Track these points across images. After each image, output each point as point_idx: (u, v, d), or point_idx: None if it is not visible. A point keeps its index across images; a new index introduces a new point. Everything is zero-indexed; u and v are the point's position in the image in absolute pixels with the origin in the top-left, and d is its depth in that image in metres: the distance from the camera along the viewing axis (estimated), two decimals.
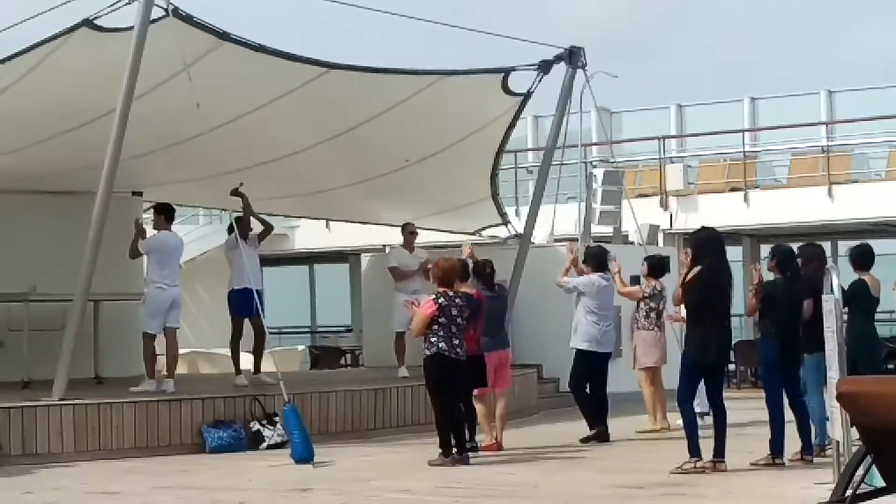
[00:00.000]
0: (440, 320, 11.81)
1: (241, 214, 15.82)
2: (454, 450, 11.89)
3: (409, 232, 17.48)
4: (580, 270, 14.23)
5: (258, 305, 14.22)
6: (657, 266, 14.87)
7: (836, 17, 50.79)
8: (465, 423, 12.40)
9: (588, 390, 13.94)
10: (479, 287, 12.87)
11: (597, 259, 14.17)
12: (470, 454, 12.12)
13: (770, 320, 11.47)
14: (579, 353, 13.87)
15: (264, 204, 18.13)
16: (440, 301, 11.86)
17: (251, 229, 15.84)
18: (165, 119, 14.31)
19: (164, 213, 15.00)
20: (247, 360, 16.66)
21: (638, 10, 54.46)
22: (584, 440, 13.48)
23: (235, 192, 15.35)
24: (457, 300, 11.94)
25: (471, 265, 13.13)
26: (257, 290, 14.80)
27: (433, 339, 11.83)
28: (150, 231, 15.38)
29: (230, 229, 15.61)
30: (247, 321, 15.36)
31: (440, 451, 11.85)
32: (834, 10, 50.71)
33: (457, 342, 11.87)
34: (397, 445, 13.47)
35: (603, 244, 16.26)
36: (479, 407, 12.87)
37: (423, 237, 19.70)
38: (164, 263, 14.48)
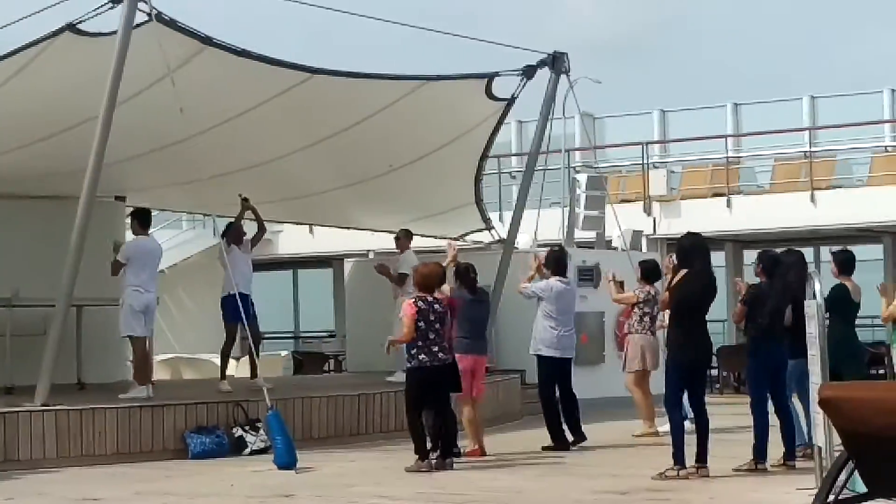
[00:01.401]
0: (419, 325, 11.79)
1: (231, 220, 15.90)
2: (437, 453, 11.89)
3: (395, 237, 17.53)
4: (545, 277, 14.11)
5: (244, 311, 14.16)
6: (652, 270, 14.84)
7: (821, 23, 50.96)
8: (455, 429, 12.40)
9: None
10: (462, 291, 12.87)
11: (556, 262, 13.98)
12: (453, 460, 12.12)
13: (755, 325, 11.50)
14: (540, 358, 13.80)
15: None
16: (419, 304, 11.85)
17: (245, 234, 15.89)
18: (149, 124, 14.28)
19: (139, 219, 15.00)
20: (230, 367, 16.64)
21: (623, 18, 54.57)
22: (547, 448, 13.43)
23: (247, 203, 15.49)
24: (435, 305, 11.93)
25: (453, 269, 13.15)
26: (246, 295, 14.85)
27: (413, 352, 11.82)
28: (129, 237, 15.38)
29: (224, 235, 15.67)
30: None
31: (416, 457, 11.83)
32: (820, 17, 50.87)
33: (437, 349, 11.85)
34: (380, 451, 13.46)
35: (587, 250, 16.27)
36: (463, 412, 12.86)
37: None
38: (140, 268, 14.44)
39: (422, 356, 11.80)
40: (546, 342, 13.66)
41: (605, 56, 48.77)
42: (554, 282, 13.78)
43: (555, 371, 13.70)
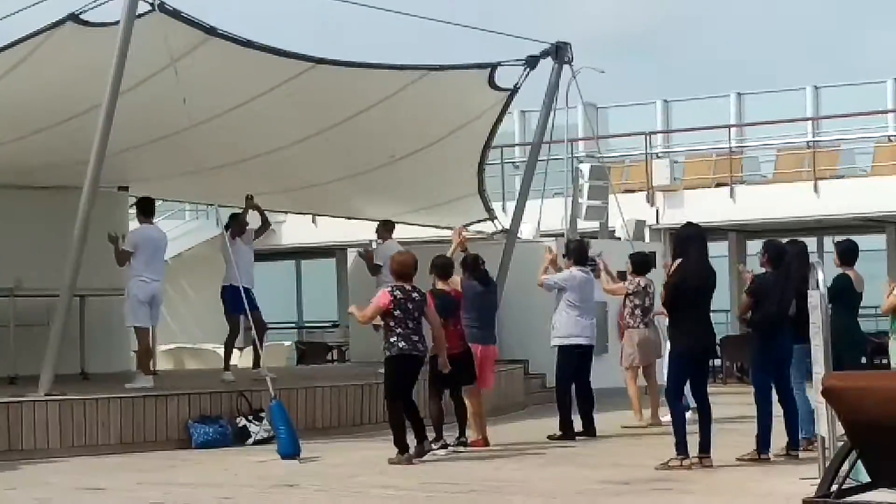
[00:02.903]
0: (395, 314, 11.73)
1: (238, 212, 15.98)
2: (441, 441, 11.90)
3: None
4: (559, 269, 14.16)
5: (246, 303, 14.21)
6: (641, 262, 14.90)
7: (825, 13, 50.90)
8: (434, 417, 12.36)
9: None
10: (472, 281, 12.87)
11: (577, 252, 14.08)
12: (433, 446, 12.09)
13: (760, 315, 11.49)
14: (562, 348, 13.83)
15: None
16: (395, 294, 11.80)
17: (247, 224, 15.97)
18: (152, 114, 14.28)
19: (143, 207, 15.05)
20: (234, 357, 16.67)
21: (627, 11, 54.50)
22: (553, 437, 13.45)
23: (251, 202, 15.66)
24: (413, 294, 11.87)
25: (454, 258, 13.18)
26: (247, 288, 14.92)
27: (392, 340, 11.75)
28: (132, 226, 15.40)
29: (227, 226, 15.73)
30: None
31: (396, 449, 11.79)
32: (824, 7, 50.82)
33: (416, 338, 11.80)
34: (384, 441, 13.42)
35: (589, 240, 16.26)
36: (468, 403, 12.87)
37: (409, 232, 19.73)
38: (146, 257, 14.46)
39: (401, 343, 11.74)
40: (571, 331, 13.70)
41: (608, 48, 48.71)
42: (575, 271, 13.85)
43: (576, 360, 13.74)
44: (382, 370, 16.08)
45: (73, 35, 12.69)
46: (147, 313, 14.44)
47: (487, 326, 13.08)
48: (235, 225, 15.79)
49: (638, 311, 14.68)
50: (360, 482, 10.76)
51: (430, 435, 12.24)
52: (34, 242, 16.59)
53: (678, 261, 11.17)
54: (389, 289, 11.87)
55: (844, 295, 11.96)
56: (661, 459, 11.02)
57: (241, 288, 14.39)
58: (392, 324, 11.74)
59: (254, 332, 14.71)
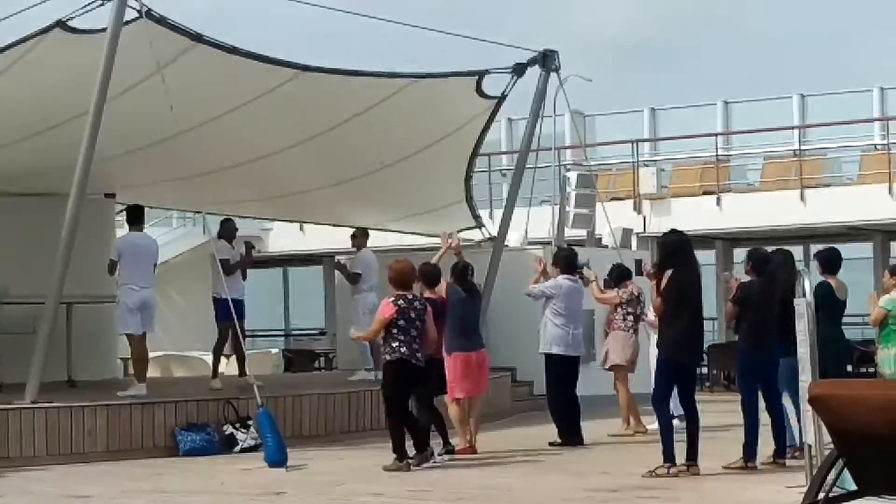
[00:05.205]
0: (399, 323, 11.74)
1: (228, 217, 16.06)
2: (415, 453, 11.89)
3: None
4: (549, 277, 14.16)
5: (234, 313, 14.21)
6: (619, 275, 14.93)
7: (811, 21, 51.06)
8: (422, 426, 12.34)
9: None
10: (456, 288, 12.87)
11: (565, 261, 14.07)
12: (434, 454, 12.09)
13: (746, 323, 11.51)
14: (549, 357, 13.83)
15: (238, 207, 18.14)
16: (399, 303, 11.81)
17: (237, 229, 16.05)
18: (139, 121, 14.26)
19: (129, 215, 15.08)
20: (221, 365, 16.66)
21: (614, 18, 54.62)
22: (554, 444, 13.46)
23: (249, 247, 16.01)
24: (415, 303, 11.88)
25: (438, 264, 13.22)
26: (239, 300, 15.03)
27: (395, 345, 11.76)
28: (119, 234, 15.41)
29: (219, 236, 15.85)
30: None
31: (394, 456, 11.79)
32: (810, 16, 50.98)
33: (416, 347, 11.80)
34: (371, 449, 13.45)
35: (576, 248, 16.28)
36: (452, 410, 12.86)
37: (396, 240, 19.71)
38: (133, 264, 14.42)
39: (403, 349, 11.74)
40: (557, 340, 13.68)
41: (596, 56, 48.81)
42: (562, 279, 13.84)
43: (564, 370, 13.72)
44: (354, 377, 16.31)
45: (60, 42, 12.68)
46: (138, 320, 14.37)
47: (471, 333, 13.04)
48: (224, 232, 15.94)
49: (630, 318, 14.71)
50: (347, 490, 10.75)
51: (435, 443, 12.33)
52: (20, 249, 16.52)
53: (671, 271, 11.16)
54: (392, 299, 11.85)
55: (826, 303, 11.98)
56: (648, 467, 11.03)
57: (228, 299, 14.36)
58: (395, 331, 11.73)
59: (241, 338, 14.71)
